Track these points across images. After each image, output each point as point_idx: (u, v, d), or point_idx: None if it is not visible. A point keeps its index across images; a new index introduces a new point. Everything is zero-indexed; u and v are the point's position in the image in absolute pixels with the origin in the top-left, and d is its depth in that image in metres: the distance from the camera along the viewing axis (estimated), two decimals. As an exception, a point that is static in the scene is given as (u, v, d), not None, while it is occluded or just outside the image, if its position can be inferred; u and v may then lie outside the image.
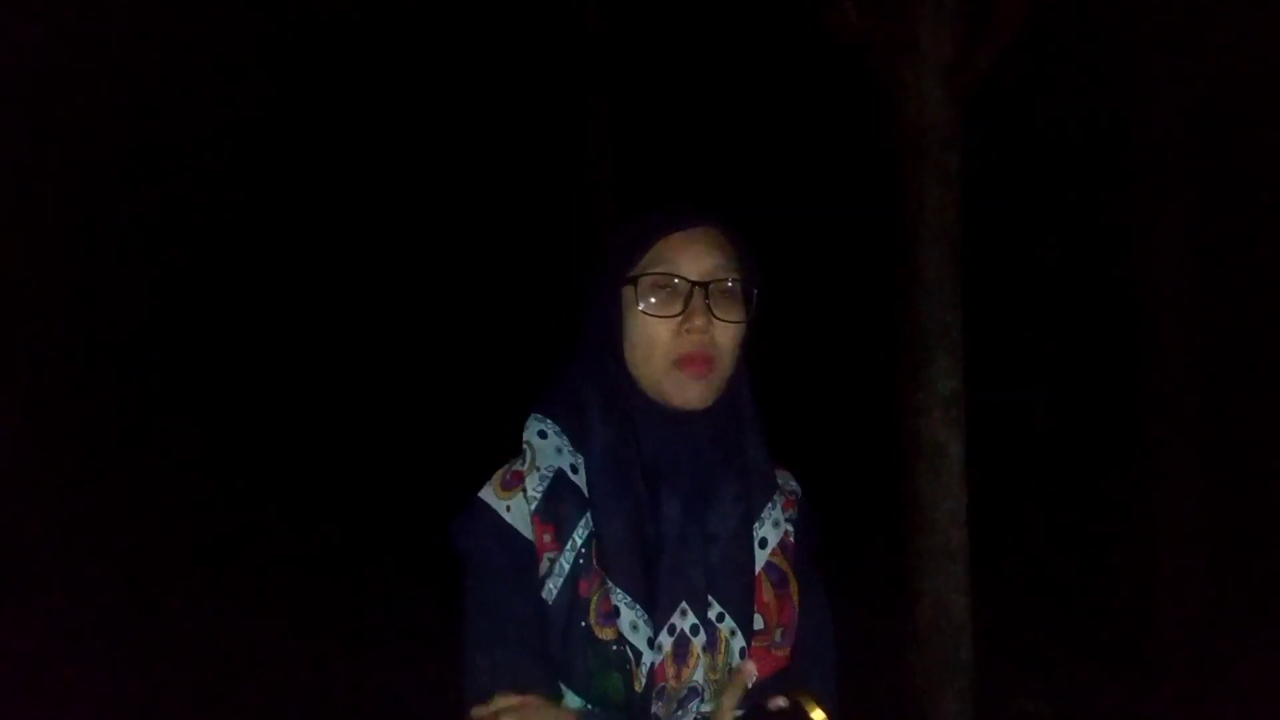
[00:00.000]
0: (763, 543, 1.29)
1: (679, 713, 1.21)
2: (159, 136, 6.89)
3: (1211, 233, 5.17)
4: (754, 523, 1.28)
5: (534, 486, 1.25)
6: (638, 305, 1.24)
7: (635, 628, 1.19)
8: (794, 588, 1.31)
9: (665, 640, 1.20)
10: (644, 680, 1.19)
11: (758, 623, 1.26)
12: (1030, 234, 6.75)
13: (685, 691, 1.21)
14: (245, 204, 7.80)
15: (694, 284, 1.23)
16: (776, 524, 1.31)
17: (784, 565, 1.31)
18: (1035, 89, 5.93)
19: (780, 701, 1.11)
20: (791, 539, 1.32)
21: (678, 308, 1.23)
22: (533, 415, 1.31)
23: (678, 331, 1.23)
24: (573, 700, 1.21)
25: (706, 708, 1.22)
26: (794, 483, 1.39)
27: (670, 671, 1.20)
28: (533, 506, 1.24)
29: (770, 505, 1.31)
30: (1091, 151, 6.03)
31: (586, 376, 1.28)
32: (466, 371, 8.02)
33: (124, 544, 5.99)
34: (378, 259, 8.69)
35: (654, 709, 1.20)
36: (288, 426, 7.59)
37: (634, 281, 1.24)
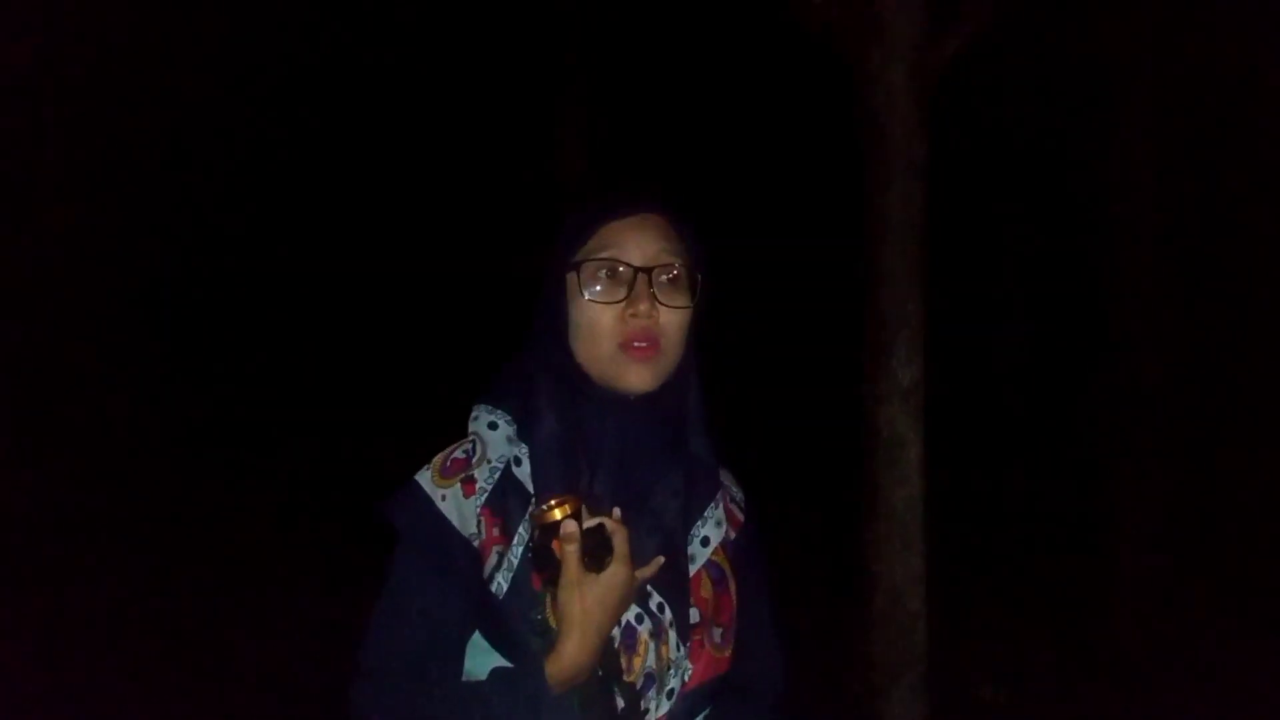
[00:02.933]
0: (705, 541, 1.29)
1: (641, 703, 1.21)
2: (140, 131, 6.85)
3: (1181, 221, 5.20)
4: (695, 519, 1.28)
5: (484, 478, 1.24)
6: (581, 291, 1.24)
7: None
8: (733, 586, 1.31)
9: (615, 632, 1.20)
10: (599, 670, 1.19)
11: (694, 615, 1.26)
12: (998, 224, 6.77)
13: (641, 680, 1.21)
14: (206, 197, 7.74)
15: (637, 270, 1.23)
16: (719, 523, 1.31)
17: (724, 564, 1.31)
18: (1004, 78, 5.95)
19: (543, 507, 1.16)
20: (731, 538, 1.33)
21: (621, 293, 1.23)
22: (480, 405, 1.30)
23: (621, 317, 1.23)
24: None
25: (665, 700, 1.23)
26: (736, 488, 1.40)
27: (623, 662, 1.20)
28: (483, 499, 1.23)
29: (713, 505, 1.31)
30: (1060, 141, 6.05)
31: (537, 365, 1.28)
32: (432, 357, 7.99)
33: (112, 536, 5.94)
34: (342, 245, 8.64)
35: (617, 701, 1.20)
36: (266, 414, 7.56)
37: (578, 267, 1.24)
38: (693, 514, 1.28)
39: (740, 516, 1.37)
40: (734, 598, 1.31)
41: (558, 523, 1.14)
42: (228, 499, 6.96)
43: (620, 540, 1.15)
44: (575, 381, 1.26)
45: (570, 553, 1.13)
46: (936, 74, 3.05)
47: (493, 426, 1.27)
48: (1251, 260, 5.67)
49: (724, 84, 7.71)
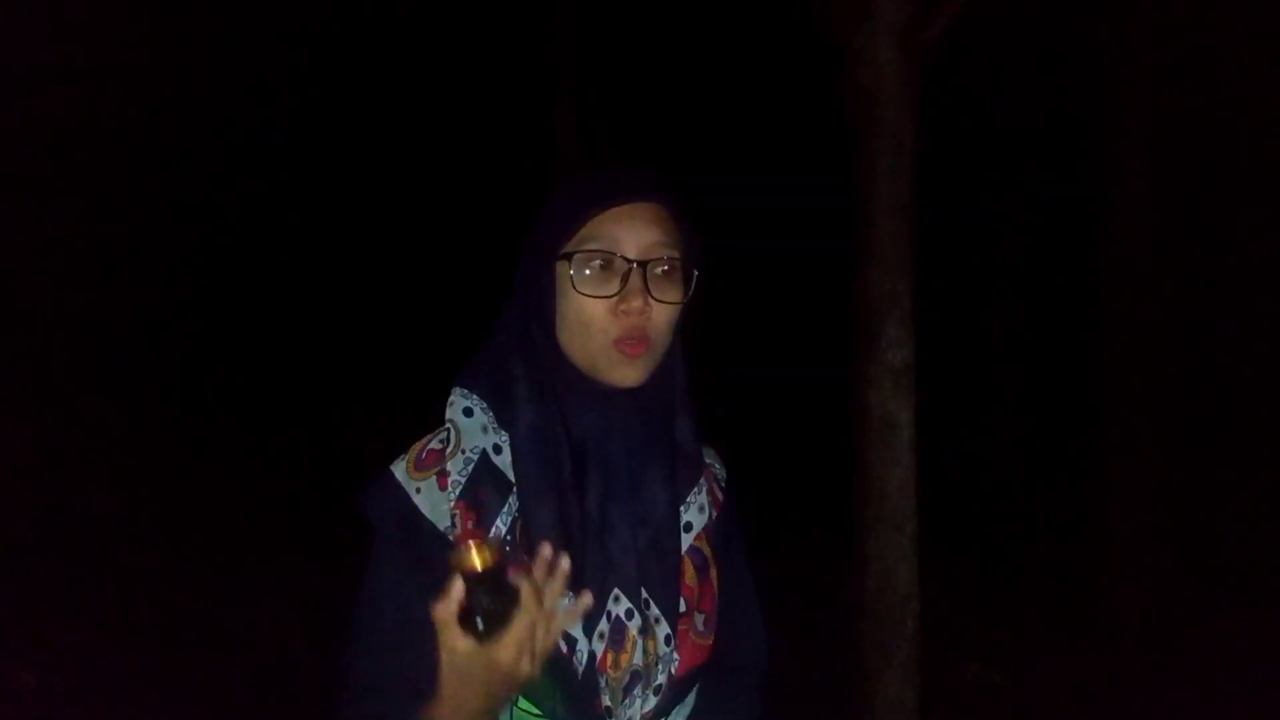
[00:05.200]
0: (687, 526, 1.25)
1: (625, 701, 1.18)
2: (142, 128, 6.84)
3: (1176, 204, 5.17)
4: (680, 506, 1.24)
5: (458, 470, 1.18)
6: (572, 283, 1.18)
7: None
8: (714, 573, 1.27)
9: (604, 627, 1.16)
10: (581, 669, 1.15)
11: (680, 605, 1.22)
12: (989, 206, 6.74)
13: (627, 678, 1.18)
14: (206, 188, 7.73)
15: (632, 263, 1.17)
16: (702, 508, 1.27)
17: (706, 550, 1.27)
18: (994, 57, 5.91)
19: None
20: (713, 520, 1.29)
21: (614, 287, 1.17)
22: (456, 390, 1.24)
23: (614, 311, 1.17)
24: None
25: (651, 695, 1.20)
26: (719, 465, 1.36)
27: (609, 660, 1.17)
28: (456, 492, 1.17)
29: (697, 489, 1.27)
30: (1056, 123, 6.02)
31: (512, 350, 1.22)
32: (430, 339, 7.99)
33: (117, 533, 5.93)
34: (339, 235, 8.64)
35: (602, 700, 1.16)
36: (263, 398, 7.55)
37: (568, 257, 1.18)
38: (677, 502, 1.24)
39: (721, 496, 1.33)
40: (715, 584, 1.27)
41: (471, 570, 0.98)
42: (225, 485, 6.95)
43: (526, 620, 1.00)
44: (558, 371, 1.21)
45: (443, 615, 1.00)
46: (926, 52, 3.02)
47: (468, 413, 1.22)
48: (1250, 248, 5.64)
49: (713, 63, 7.68)
